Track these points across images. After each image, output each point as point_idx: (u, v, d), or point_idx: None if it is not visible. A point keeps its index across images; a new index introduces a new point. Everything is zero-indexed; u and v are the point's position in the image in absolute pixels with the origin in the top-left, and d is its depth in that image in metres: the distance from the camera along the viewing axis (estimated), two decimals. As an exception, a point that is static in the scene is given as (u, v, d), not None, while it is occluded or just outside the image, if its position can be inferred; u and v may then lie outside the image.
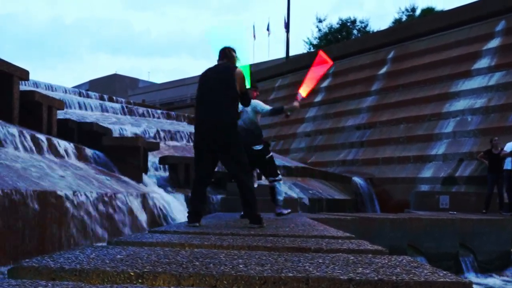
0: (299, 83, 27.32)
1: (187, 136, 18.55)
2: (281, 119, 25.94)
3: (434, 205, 15.50)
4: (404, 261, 3.00)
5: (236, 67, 5.64)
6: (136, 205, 9.76)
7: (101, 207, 8.58)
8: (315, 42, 45.21)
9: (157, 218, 10.38)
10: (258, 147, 7.56)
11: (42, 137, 10.29)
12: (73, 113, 17.56)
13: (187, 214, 5.77)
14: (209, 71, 5.73)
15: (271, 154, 7.86)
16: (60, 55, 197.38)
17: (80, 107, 19.50)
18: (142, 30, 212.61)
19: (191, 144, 18.10)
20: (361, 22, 45.02)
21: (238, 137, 5.62)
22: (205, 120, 5.48)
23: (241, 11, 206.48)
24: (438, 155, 19.80)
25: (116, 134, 15.12)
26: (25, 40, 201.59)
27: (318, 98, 27.28)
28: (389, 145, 21.96)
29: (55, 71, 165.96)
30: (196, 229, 5.12)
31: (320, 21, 45.40)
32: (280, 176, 7.97)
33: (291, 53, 39.22)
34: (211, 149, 5.51)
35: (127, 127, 16.62)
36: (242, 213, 6.68)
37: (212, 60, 5.94)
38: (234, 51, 5.86)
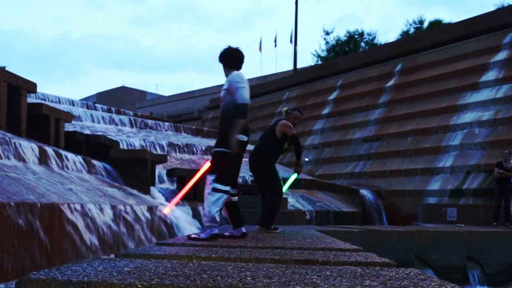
0: (306, 96, 27.19)
1: (194, 148, 18.57)
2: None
3: (442, 217, 15.44)
4: (412, 273, 2.99)
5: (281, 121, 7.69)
6: (143, 217, 9.76)
7: (108, 219, 8.58)
8: (322, 54, 45.33)
9: (165, 231, 10.38)
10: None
11: (49, 149, 10.34)
12: (78, 125, 17.63)
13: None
14: None
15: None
16: (67, 71, 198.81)
17: (87, 120, 19.57)
18: (147, 45, 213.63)
19: (199, 156, 18.17)
20: (369, 34, 45.11)
21: (266, 167, 7.46)
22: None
23: (244, 28, 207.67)
24: (445, 167, 19.74)
25: (123, 146, 15.15)
26: (33, 56, 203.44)
27: (325, 111, 27.28)
28: (397, 158, 21.91)
29: (63, 86, 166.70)
30: (207, 241, 5.15)
31: (327, 33, 45.55)
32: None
33: (298, 66, 39.30)
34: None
35: (134, 139, 16.65)
36: None
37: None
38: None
